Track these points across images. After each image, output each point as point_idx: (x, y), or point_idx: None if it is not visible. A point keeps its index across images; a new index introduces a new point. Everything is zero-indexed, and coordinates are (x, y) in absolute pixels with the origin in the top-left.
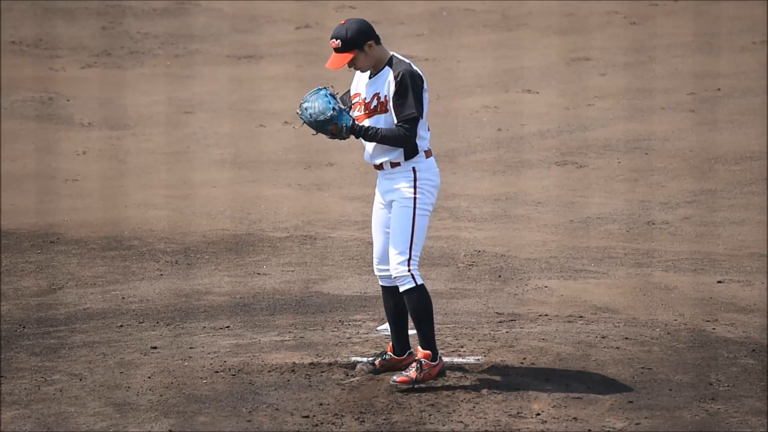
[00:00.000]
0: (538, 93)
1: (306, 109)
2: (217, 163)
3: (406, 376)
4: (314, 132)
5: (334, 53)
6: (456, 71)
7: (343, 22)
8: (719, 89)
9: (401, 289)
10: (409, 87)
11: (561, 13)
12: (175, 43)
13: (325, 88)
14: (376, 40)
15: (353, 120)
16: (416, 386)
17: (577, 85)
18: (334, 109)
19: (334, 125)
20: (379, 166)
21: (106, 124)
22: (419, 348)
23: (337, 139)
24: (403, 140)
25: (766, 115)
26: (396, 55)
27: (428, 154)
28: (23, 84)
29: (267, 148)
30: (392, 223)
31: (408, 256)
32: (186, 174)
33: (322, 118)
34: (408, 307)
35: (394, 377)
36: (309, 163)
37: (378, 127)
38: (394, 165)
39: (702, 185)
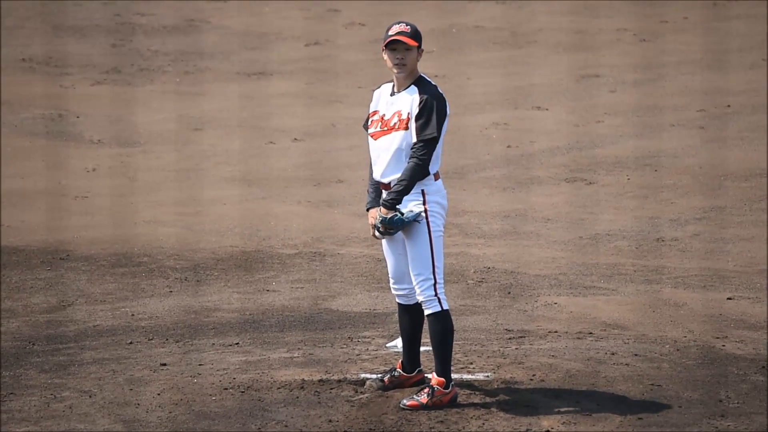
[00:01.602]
0: (547, 110)
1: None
2: (226, 180)
3: (417, 401)
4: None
5: (401, 36)
6: (466, 88)
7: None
8: (729, 106)
9: (426, 313)
10: (434, 109)
11: (571, 30)
12: (185, 60)
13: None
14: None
15: (382, 208)
16: (424, 410)
17: (586, 102)
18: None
19: (382, 223)
20: (387, 187)
21: (116, 142)
22: (434, 374)
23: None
24: (421, 168)
25: None
26: (424, 76)
27: (437, 176)
28: (33, 101)
29: (277, 165)
30: (409, 249)
31: (433, 281)
32: (196, 191)
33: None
34: (430, 331)
35: (404, 400)
36: (318, 180)
37: (396, 181)
38: None
39: (711, 202)
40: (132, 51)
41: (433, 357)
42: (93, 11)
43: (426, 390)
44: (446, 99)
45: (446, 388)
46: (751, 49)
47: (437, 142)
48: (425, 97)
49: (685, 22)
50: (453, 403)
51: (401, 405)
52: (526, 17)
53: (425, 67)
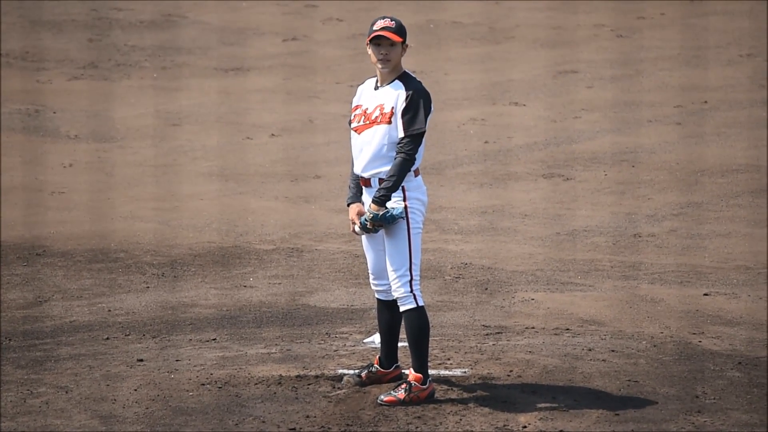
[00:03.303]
0: (525, 106)
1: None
2: (204, 176)
3: (394, 396)
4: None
5: (386, 31)
6: (443, 84)
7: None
8: (706, 102)
9: (401, 309)
10: (421, 104)
11: (548, 26)
12: (162, 55)
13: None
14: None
15: (372, 205)
16: (402, 406)
17: (564, 97)
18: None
19: (373, 219)
20: (367, 182)
21: (93, 137)
22: (411, 370)
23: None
24: (409, 163)
25: (753, 128)
26: (408, 72)
27: (417, 173)
28: (10, 96)
29: (254, 160)
30: (387, 245)
31: (410, 277)
32: (173, 186)
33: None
34: (406, 327)
35: (382, 396)
36: (296, 175)
37: (384, 178)
38: (382, 182)
39: (688, 198)
40: (109, 46)
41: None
42: (70, 6)
43: (403, 386)
44: (430, 95)
45: (423, 384)
46: (728, 45)
47: (422, 135)
48: (411, 92)
49: (662, 18)
50: (430, 398)
51: (378, 401)
52: (504, 13)
53: (404, 63)
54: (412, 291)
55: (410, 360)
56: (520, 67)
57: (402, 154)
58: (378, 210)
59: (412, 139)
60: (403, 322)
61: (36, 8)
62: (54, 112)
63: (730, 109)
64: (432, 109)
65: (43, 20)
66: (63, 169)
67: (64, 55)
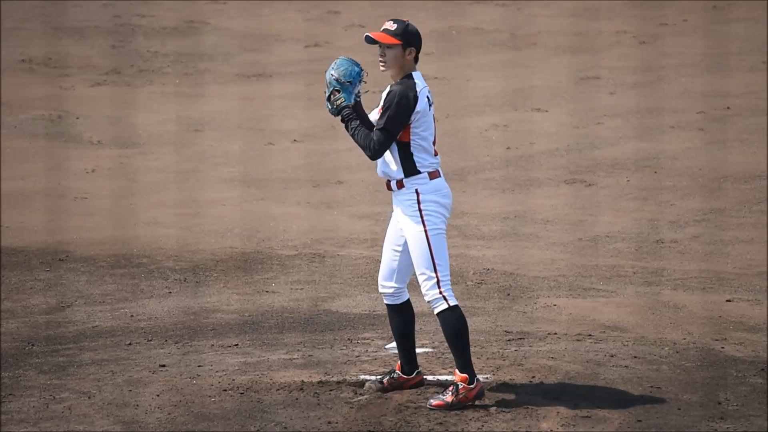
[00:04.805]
0: (547, 112)
1: (333, 67)
2: (226, 182)
3: (442, 400)
4: (328, 101)
5: (382, 32)
6: (465, 90)
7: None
8: (728, 108)
9: (435, 312)
10: (394, 103)
11: (570, 32)
12: (184, 61)
13: (362, 70)
14: (417, 55)
15: (353, 103)
16: (451, 410)
17: (586, 104)
18: (350, 81)
19: (337, 92)
20: (388, 185)
21: (116, 143)
22: (456, 371)
23: (332, 114)
24: (367, 145)
25: None
26: (414, 74)
27: (433, 175)
28: (33, 102)
29: (276, 166)
30: (410, 249)
31: (436, 279)
32: (195, 192)
33: (337, 76)
34: (442, 329)
35: (431, 400)
36: (318, 181)
37: (358, 122)
38: (399, 185)
39: (711, 204)
40: (132, 52)
41: (432, 358)
42: (93, 12)
43: (451, 388)
44: (417, 97)
45: (470, 383)
46: (750, 52)
47: (389, 135)
48: (391, 91)
49: (684, 25)
50: (479, 398)
51: (428, 405)
52: (526, 19)
53: (426, 69)
54: (441, 292)
55: (432, 365)
56: (542, 73)
57: (374, 137)
58: (338, 103)
59: (378, 132)
60: (439, 325)
61: (59, 15)
62: (77, 118)
63: (752, 116)
64: (417, 108)
65: (66, 26)
66: (86, 175)
67: (87, 61)
